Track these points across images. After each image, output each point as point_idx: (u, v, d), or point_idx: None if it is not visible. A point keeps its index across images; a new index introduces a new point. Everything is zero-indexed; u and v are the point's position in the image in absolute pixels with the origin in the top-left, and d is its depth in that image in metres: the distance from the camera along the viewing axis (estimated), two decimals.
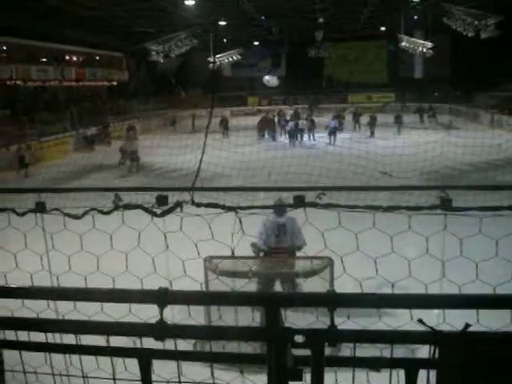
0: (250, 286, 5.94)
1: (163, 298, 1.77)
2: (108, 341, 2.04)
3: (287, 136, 30.87)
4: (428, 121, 37.45)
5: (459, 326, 1.76)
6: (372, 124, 31.62)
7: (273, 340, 1.71)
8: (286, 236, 7.61)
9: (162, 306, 1.78)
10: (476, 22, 33.90)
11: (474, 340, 1.73)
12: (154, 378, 2.14)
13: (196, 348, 4.42)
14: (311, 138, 31.01)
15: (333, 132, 29.49)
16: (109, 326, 1.96)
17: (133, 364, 2.07)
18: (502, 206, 3.19)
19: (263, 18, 39.01)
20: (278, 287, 7.28)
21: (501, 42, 34.82)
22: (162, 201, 3.19)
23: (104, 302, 1.91)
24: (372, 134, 30.87)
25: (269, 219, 7.44)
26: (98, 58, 43.06)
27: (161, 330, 1.78)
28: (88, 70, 40.80)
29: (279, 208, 7.23)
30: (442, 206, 3.25)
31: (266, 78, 50.76)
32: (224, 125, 32.30)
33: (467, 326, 1.73)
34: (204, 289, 6.31)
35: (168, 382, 2.47)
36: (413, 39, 42.30)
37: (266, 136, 32.03)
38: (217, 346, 3.44)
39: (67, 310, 2.72)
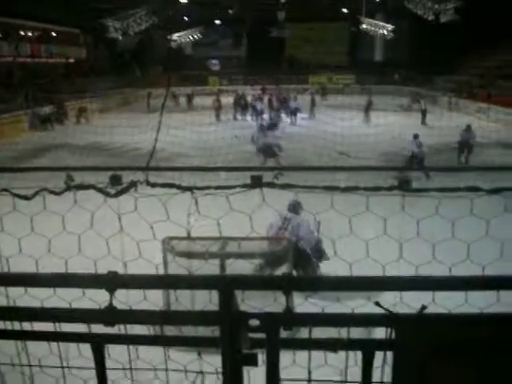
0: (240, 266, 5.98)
1: (112, 282, 1.70)
2: (59, 326, 1.97)
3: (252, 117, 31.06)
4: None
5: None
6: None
7: (226, 324, 1.66)
8: (287, 230, 7.80)
9: (111, 291, 1.71)
10: (436, 6, 34.34)
11: (430, 322, 1.72)
12: (109, 363, 2.08)
13: (155, 331, 4.36)
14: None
15: (294, 112, 29.76)
16: (58, 312, 1.88)
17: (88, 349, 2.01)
18: (460, 187, 3.20)
19: None
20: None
21: (460, 26, 35.34)
22: (115, 181, 3.08)
23: (50, 287, 1.83)
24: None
25: (281, 215, 7.82)
26: (54, 34, 41.79)
27: (111, 315, 1.72)
28: (44, 46, 39.59)
29: (294, 207, 7.89)
30: (400, 187, 3.24)
31: (212, 61, 51.16)
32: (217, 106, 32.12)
33: (423, 307, 1.72)
34: (163, 271, 6.25)
35: (123, 367, 2.41)
36: (374, 21, 42.60)
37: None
38: (174, 329, 3.39)
39: (18, 294, 2.61)
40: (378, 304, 1.75)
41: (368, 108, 30.39)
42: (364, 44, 51.75)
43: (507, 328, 1.72)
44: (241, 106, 32.58)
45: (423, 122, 28.48)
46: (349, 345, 1.92)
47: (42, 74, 37.57)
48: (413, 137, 16.42)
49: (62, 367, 2.26)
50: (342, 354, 1.99)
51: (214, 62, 52.32)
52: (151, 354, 2.48)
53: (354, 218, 3.22)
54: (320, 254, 7.76)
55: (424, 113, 29.39)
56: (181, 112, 28.85)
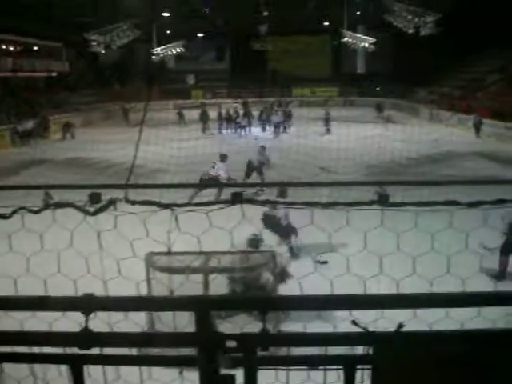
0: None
1: (88, 305, 1.68)
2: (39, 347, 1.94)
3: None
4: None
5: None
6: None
7: (203, 346, 1.65)
8: None
9: (86, 314, 1.69)
10: (416, 19, 34.83)
11: (407, 339, 1.73)
12: (90, 383, 2.05)
13: (139, 350, 4.32)
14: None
15: (277, 126, 29.66)
16: (33, 335, 1.86)
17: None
18: (438, 201, 3.23)
19: (207, 10, 38.75)
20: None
21: (441, 39, 35.84)
22: (94, 198, 3.06)
23: (25, 310, 1.80)
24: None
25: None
26: (36, 48, 41.58)
27: (86, 338, 1.69)
28: (26, 60, 39.33)
29: (253, 243, 7.69)
30: (379, 202, 3.26)
31: (188, 75, 51.67)
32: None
33: (400, 325, 1.73)
34: (146, 286, 6.20)
35: None
36: (355, 34, 43.03)
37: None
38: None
39: None
40: (354, 323, 1.75)
41: (327, 120, 30.44)
42: (346, 57, 52.20)
43: (484, 344, 1.74)
44: (226, 119, 32.67)
45: (478, 136, 27.44)
46: (329, 361, 1.92)
47: (24, 88, 37.33)
48: None
49: None
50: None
51: (190, 75, 52.75)
52: (133, 373, 2.46)
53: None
54: (283, 276, 7.65)
55: (478, 126, 27.83)
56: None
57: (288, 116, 32.08)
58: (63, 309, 1.77)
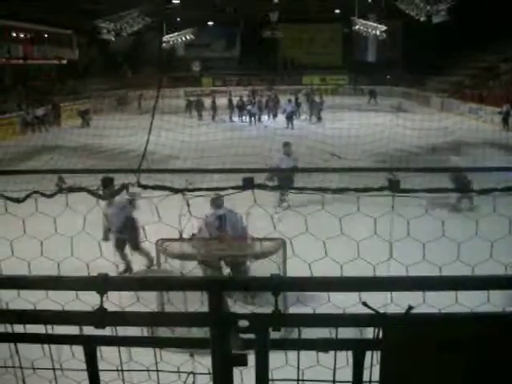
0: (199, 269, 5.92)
1: (102, 284, 1.71)
2: (52, 328, 1.98)
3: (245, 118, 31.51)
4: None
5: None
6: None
7: (216, 325, 1.68)
8: (226, 226, 7.67)
9: (101, 293, 1.72)
10: (428, 7, 34.46)
11: (417, 321, 1.74)
12: (103, 364, 2.08)
13: (149, 332, 4.36)
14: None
15: (290, 116, 29.07)
16: (48, 314, 1.89)
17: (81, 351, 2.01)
18: (448, 188, 3.24)
19: None
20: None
21: (453, 27, 35.48)
22: (107, 183, 3.09)
23: (41, 289, 1.83)
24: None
25: (208, 214, 7.60)
26: (46, 35, 41.59)
27: (101, 317, 1.72)
28: (36, 47, 39.38)
29: (216, 202, 7.58)
30: (390, 188, 3.27)
31: (195, 63, 52.00)
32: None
33: (410, 308, 1.74)
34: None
35: (117, 368, 2.41)
36: (366, 22, 42.66)
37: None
38: (167, 330, 3.39)
39: (11, 297, 2.61)
40: (365, 304, 1.77)
41: (319, 109, 30.45)
42: (357, 45, 51.82)
43: (493, 327, 1.74)
44: (238, 107, 32.67)
45: (506, 127, 25.72)
46: (339, 345, 1.94)
47: (34, 75, 37.39)
48: None
49: (54, 369, 2.27)
50: (338, 353, 2.00)
51: (195, 62, 52.84)
52: (144, 356, 2.50)
53: None
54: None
55: (506, 116, 26.13)
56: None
57: (315, 104, 31.96)
58: (78, 288, 1.80)
